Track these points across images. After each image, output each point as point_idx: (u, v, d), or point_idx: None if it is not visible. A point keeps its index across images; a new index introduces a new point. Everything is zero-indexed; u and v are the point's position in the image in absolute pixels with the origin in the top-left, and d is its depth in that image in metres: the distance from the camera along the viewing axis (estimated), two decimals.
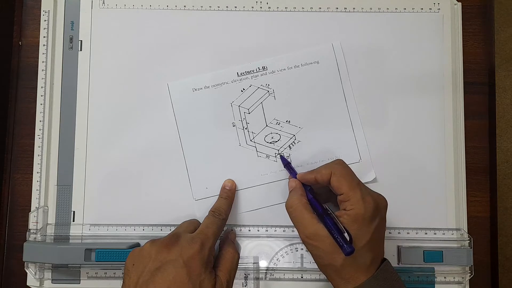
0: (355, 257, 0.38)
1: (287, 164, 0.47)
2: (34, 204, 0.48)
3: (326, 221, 0.39)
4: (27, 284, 0.48)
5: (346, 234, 0.38)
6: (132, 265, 0.38)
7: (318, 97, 0.49)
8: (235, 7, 0.50)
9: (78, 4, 0.50)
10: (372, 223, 0.39)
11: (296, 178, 0.45)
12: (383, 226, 0.41)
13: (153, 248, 0.38)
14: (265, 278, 0.48)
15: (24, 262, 0.47)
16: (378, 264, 0.40)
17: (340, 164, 0.42)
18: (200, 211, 0.48)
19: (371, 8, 0.50)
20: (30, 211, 0.48)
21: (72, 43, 0.50)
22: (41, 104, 0.49)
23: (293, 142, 0.49)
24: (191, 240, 0.39)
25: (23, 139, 0.50)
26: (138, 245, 0.47)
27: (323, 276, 0.47)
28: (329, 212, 0.40)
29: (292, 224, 0.47)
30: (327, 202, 0.43)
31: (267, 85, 0.49)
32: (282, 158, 0.48)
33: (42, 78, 0.49)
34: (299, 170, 0.48)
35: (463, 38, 0.51)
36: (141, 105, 0.49)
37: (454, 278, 0.48)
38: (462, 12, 0.51)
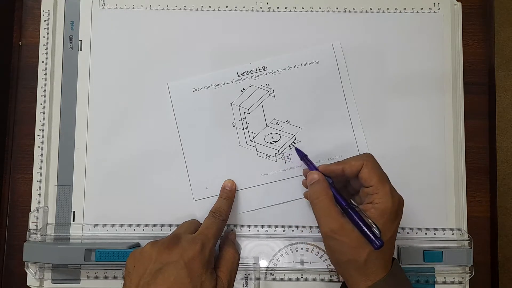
0: (379, 252, 0.38)
1: (304, 157, 0.46)
2: (34, 204, 0.48)
3: (353, 215, 0.39)
4: (27, 284, 0.48)
5: (374, 228, 0.38)
6: (133, 266, 0.38)
7: (318, 97, 0.49)
8: (235, 7, 0.50)
9: (78, 4, 0.50)
10: (396, 218, 0.39)
11: (316, 171, 0.44)
12: (399, 224, 0.41)
13: (154, 249, 0.38)
14: (265, 278, 0.48)
15: (24, 262, 0.47)
16: (391, 261, 0.40)
17: (371, 157, 0.42)
18: (200, 211, 0.48)
19: (371, 8, 0.50)
20: (30, 211, 0.48)
21: (72, 43, 0.50)
22: (41, 104, 0.49)
23: (293, 142, 0.49)
24: (192, 241, 0.39)
25: (23, 139, 0.50)
26: (138, 245, 0.47)
27: (323, 276, 0.47)
28: (354, 206, 0.40)
29: (292, 224, 0.48)
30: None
31: (267, 85, 0.49)
32: (298, 150, 0.47)
33: (42, 78, 0.49)
34: (300, 170, 0.48)
35: (463, 38, 0.51)
36: (141, 105, 0.49)
37: (454, 278, 0.48)
38: (462, 12, 0.51)
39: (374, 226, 0.38)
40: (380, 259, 0.39)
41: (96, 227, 0.48)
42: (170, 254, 0.38)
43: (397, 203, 0.39)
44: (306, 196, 0.47)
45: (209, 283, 0.38)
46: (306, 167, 0.46)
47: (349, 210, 0.39)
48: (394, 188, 0.41)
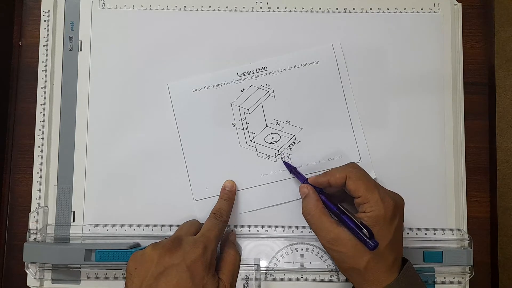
0: (378, 258, 0.38)
1: (293, 170, 0.47)
2: (34, 204, 0.48)
3: (344, 220, 0.39)
4: (27, 284, 0.48)
5: (364, 230, 0.38)
6: (135, 269, 0.38)
7: (318, 97, 0.49)
8: (235, 7, 0.50)
9: (78, 4, 0.50)
10: (392, 223, 0.39)
11: (305, 182, 0.45)
12: (402, 225, 0.41)
13: (156, 252, 0.38)
14: (265, 278, 0.48)
15: (24, 262, 0.47)
16: (400, 264, 0.40)
17: (354, 167, 0.42)
18: (200, 211, 0.48)
19: (371, 8, 0.50)
20: (30, 211, 0.48)
21: (72, 43, 0.50)
22: (41, 104, 0.49)
23: (293, 142, 0.49)
24: (194, 244, 0.39)
25: (23, 139, 0.50)
26: (138, 245, 0.47)
27: (323, 276, 0.47)
28: (343, 210, 0.40)
29: (292, 224, 0.48)
30: (343, 203, 0.43)
31: (267, 85, 0.49)
32: (286, 164, 0.48)
33: (42, 78, 0.49)
34: (300, 171, 0.48)
35: (463, 38, 0.51)
36: (141, 105, 0.49)
37: (454, 278, 0.48)
38: (462, 12, 0.51)
39: (363, 228, 0.38)
40: (381, 265, 0.39)
41: (96, 227, 0.48)
42: (172, 257, 0.38)
43: (391, 208, 0.39)
44: None
45: (211, 285, 0.38)
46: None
47: (340, 214, 0.40)
48: (388, 192, 0.41)
